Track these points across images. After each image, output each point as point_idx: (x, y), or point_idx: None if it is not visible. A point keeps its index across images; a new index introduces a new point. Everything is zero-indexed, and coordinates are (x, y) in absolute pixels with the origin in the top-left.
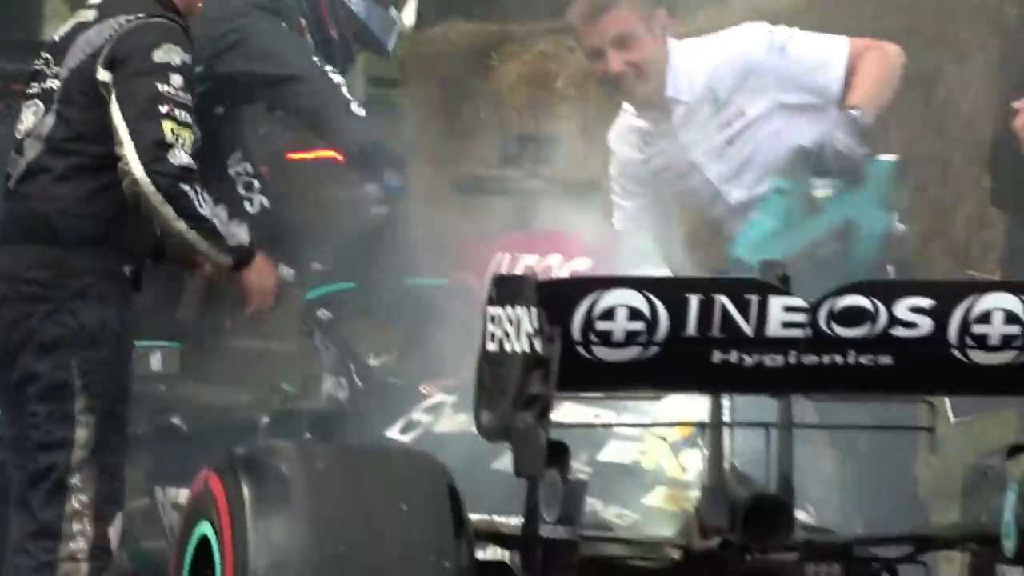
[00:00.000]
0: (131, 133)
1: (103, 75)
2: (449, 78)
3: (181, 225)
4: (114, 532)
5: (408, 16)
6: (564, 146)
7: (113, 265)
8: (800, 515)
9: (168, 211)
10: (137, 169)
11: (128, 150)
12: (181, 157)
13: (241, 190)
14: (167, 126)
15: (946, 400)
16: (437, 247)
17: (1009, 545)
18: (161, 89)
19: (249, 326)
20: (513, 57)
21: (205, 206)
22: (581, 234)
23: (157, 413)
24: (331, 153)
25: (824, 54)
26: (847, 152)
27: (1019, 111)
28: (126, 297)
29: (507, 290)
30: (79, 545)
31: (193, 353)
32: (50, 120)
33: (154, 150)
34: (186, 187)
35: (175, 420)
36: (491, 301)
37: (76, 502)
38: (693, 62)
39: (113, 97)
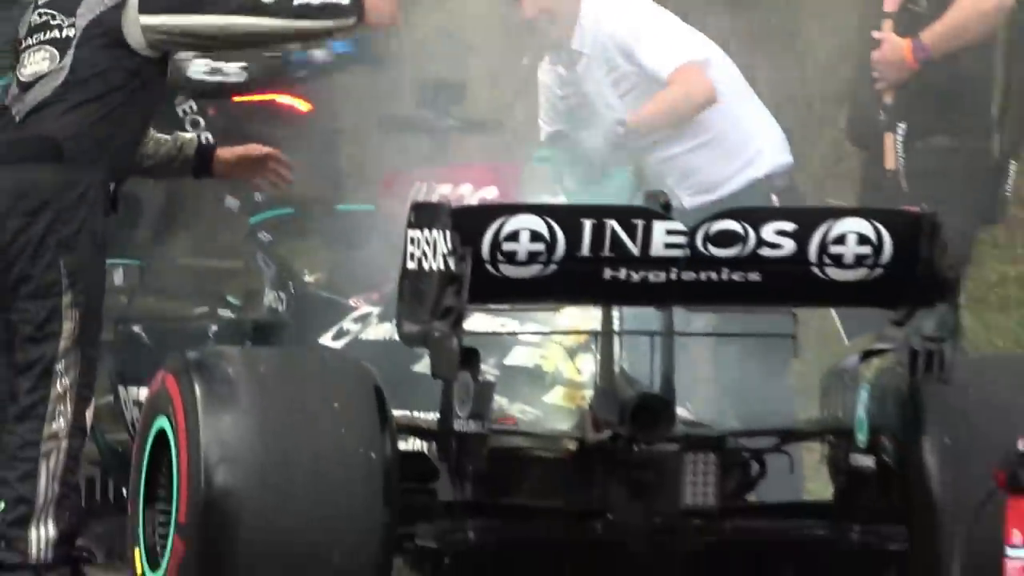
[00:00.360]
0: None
1: (147, 19)
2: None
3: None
4: (89, 415)
5: None
6: (472, 90)
7: (104, 183)
8: (680, 412)
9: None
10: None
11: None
12: None
13: (188, 127)
14: None
15: (838, 322)
16: (364, 177)
17: (861, 437)
18: None
19: (198, 247)
20: (429, 10)
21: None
22: (489, 166)
23: (120, 322)
24: (271, 97)
25: (658, 62)
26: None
27: (880, 40)
28: (108, 212)
29: (425, 215)
30: (60, 425)
31: (151, 270)
32: (67, 61)
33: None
34: None
35: (135, 328)
36: (411, 225)
37: (60, 387)
38: (598, 22)
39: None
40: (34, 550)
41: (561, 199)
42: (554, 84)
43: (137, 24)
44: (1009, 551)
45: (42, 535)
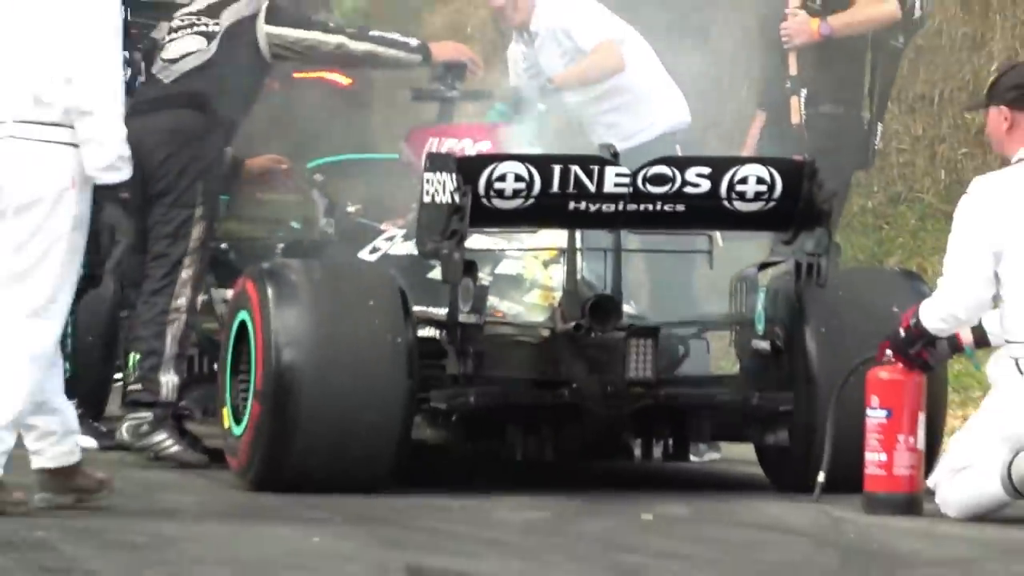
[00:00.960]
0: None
1: (270, 29)
2: (403, 21)
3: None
4: (199, 300)
5: None
6: (470, 71)
7: (229, 132)
8: (626, 308)
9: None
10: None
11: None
12: None
13: None
14: None
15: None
16: (391, 134)
17: (760, 327)
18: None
19: (271, 185)
20: (437, 11)
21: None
22: (484, 126)
23: (212, 241)
24: (321, 74)
25: (586, 35)
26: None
27: (793, 14)
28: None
29: (437, 162)
30: (182, 302)
31: (234, 201)
32: (214, 47)
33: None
34: None
35: (223, 245)
36: (427, 169)
37: (185, 275)
38: (549, 8)
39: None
40: (164, 391)
41: (537, 151)
42: (519, 59)
43: (264, 32)
44: (869, 412)
45: (169, 380)
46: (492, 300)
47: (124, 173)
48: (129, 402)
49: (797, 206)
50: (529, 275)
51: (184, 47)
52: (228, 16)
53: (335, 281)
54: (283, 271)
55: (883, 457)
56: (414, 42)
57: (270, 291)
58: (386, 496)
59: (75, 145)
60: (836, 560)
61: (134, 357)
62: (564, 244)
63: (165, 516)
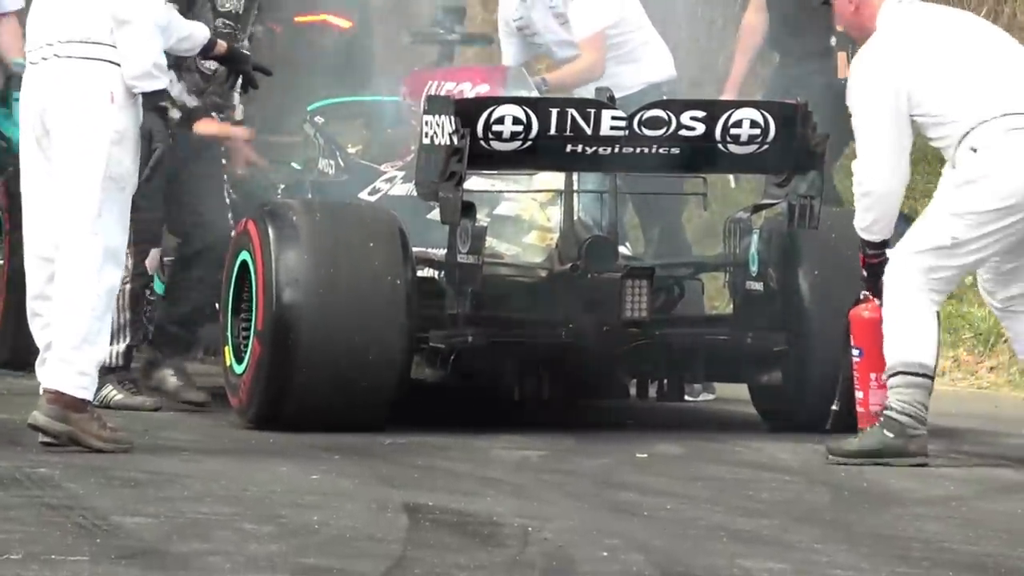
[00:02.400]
0: None
1: None
2: None
3: None
4: (147, 264)
5: None
6: (470, 13)
7: None
8: (622, 249)
9: None
10: None
11: None
12: None
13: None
14: None
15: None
16: (391, 77)
17: (753, 268)
18: None
19: (272, 126)
20: None
21: None
22: (482, 69)
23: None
24: (323, 16)
25: (579, 25)
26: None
27: None
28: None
29: (436, 105)
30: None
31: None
32: None
33: None
34: None
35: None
36: (426, 111)
37: None
38: None
39: None
40: (110, 360)
41: (535, 94)
42: (509, 11)
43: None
44: (854, 351)
45: (115, 350)
46: (490, 241)
47: (160, 81)
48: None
49: (790, 148)
50: (527, 216)
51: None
52: None
53: (335, 222)
54: (284, 211)
55: (860, 395)
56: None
57: (271, 231)
58: (385, 435)
59: (116, 63)
60: (827, 498)
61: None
62: (561, 186)
63: (166, 453)
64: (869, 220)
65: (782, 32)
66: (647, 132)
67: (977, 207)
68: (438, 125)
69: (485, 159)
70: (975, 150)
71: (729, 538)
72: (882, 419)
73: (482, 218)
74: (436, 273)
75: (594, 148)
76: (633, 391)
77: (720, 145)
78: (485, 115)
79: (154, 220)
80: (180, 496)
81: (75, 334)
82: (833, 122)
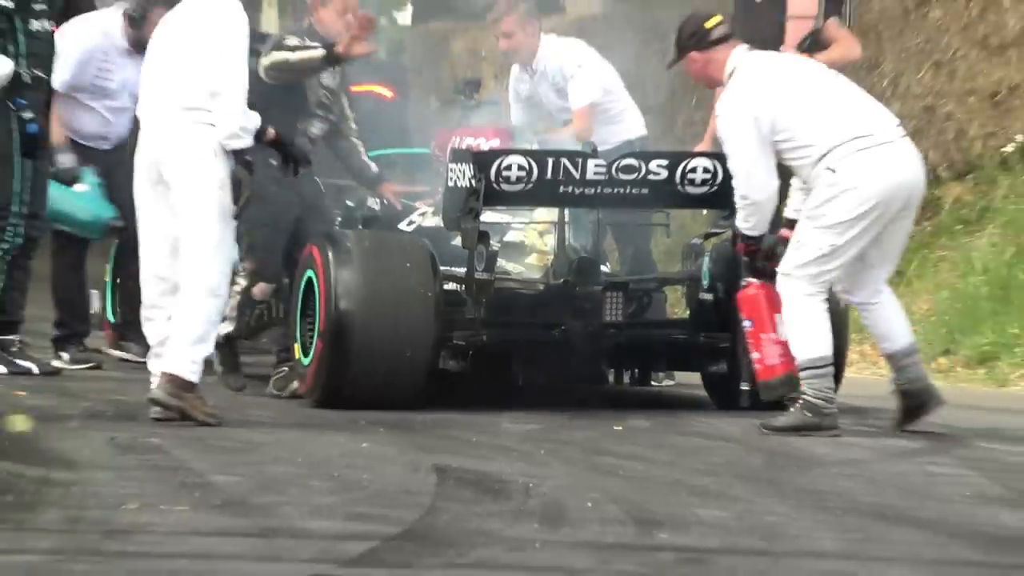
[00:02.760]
0: None
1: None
2: (429, 45)
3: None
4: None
5: (406, 17)
6: (485, 85)
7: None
8: (603, 268)
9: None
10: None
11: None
12: None
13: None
14: None
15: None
16: (424, 133)
17: (705, 283)
18: None
19: (331, 173)
20: (463, 38)
21: None
22: (494, 128)
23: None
24: (371, 87)
25: (575, 96)
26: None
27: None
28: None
29: (458, 156)
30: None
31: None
32: None
33: None
34: None
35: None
36: (451, 160)
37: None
38: (548, 52)
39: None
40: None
41: (535, 146)
42: (519, 82)
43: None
44: (745, 323)
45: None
46: (500, 262)
47: (246, 140)
48: (279, 363)
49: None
50: (528, 242)
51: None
52: None
53: (380, 247)
54: (341, 239)
55: (757, 355)
56: (319, 46)
57: (330, 254)
58: (418, 412)
59: (213, 124)
60: (762, 461)
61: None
62: (555, 218)
63: (250, 426)
64: (753, 221)
65: None
66: (623, 177)
67: (842, 217)
68: (460, 171)
69: (496, 198)
70: (833, 170)
71: (686, 492)
72: (801, 402)
73: (494, 244)
74: (458, 286)
75: (581, 189)
76: (611, 378)
77: (679, 187)
78: (496, 163)
79: (276, 263)
80: (260, 459)
81: (193, 334)
82: None
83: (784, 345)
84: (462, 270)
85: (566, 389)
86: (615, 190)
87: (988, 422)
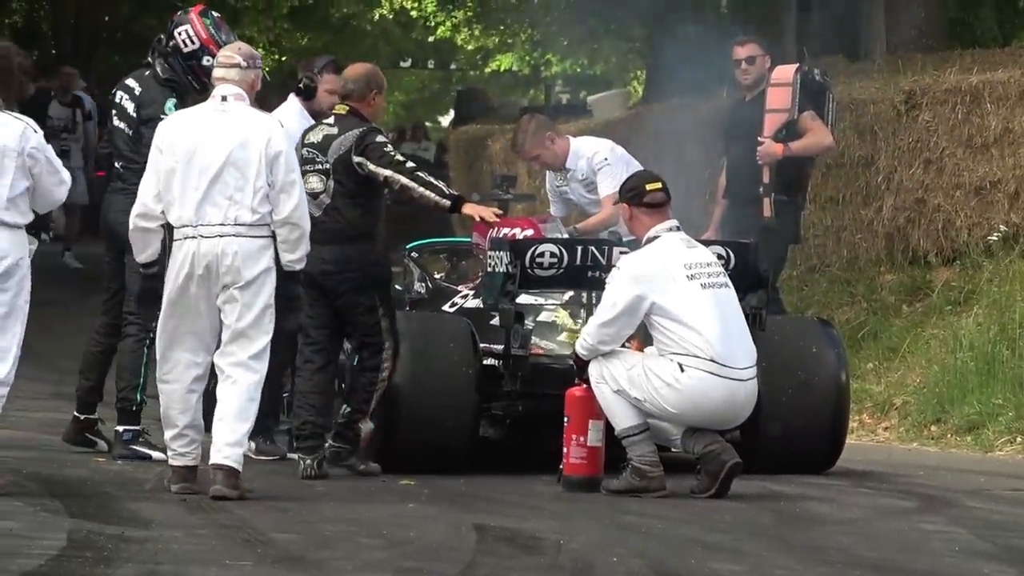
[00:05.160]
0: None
1: (357, 158)
2: (470, 145)
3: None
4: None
5: (448, 120)
6: (520, 180)
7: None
8: (627, 345)
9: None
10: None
11: (389, 174)
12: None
13: None
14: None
15: None
16: (465, 224)
17: None
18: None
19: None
20: (499, 139)
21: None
22: (529, 219)
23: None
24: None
25: (603, 186)
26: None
27: (764, 141)
28: None
29: (497, 244)
30: (385, 374)
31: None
32: (331, 184)
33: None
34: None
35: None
36: (490, 248)
37: (386, 354)
38: (577, 152)
39: (370, 164)
40: (361, 435)
41: (565, 235)
42: (553, 180)
43: (355, 161)
44: (566, 419)
45: (366, 427)
46: (534, 339)
47: (304, 263)
48: (337, 433)
49: (745, 273)
50: (560, 322)
51: (313, 185)
52: (332, 153)
53: (426, 327)
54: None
55: (565, 450)
56: (449, 192)
57: None
58: (460, 476)
59: (272, 239)
60: (770, 519)
61: (344, 408)
62: (584, 300)
63: (306, 488)
64: (587, 354)
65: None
66: None
67: (662, 403)
68: (498, 258)
69: (531, 282)
70: (682, 368)
71: (702, 548)
72: (629, 467)
73: (529, 323)
74: (497, 362)
75: (607, 274)
76: None
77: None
78: (531, 251)
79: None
80: (315, 519)
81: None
82: (765, 251)
83: (591, 451)
84: (500, 347)
85: None
86: None
87: (976, 484)
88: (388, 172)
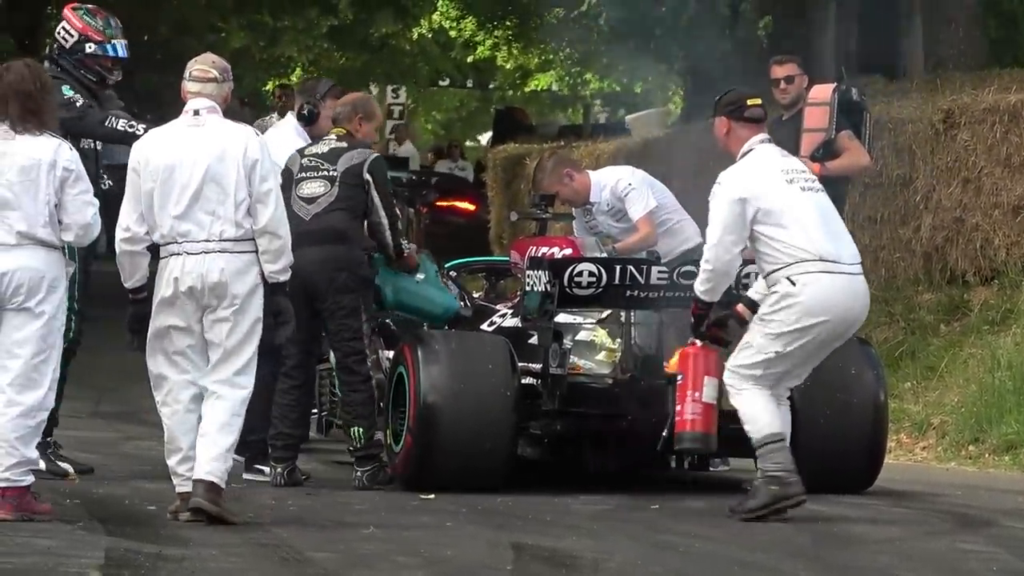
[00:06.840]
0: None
1: (367, 176)
2: (508, 164)
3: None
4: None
5: (486, 138)
6: (558, 199)
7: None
8: (665, 364)
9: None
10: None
11: (379, 208)
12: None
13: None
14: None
15: None
16: (503, 243)
17: None
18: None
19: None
20: (537, 158)
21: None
22: (567, 238)
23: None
24: (455, 202)
25: (634, 210)
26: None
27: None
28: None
29: (535, 263)
30: (375, 380)
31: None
32: (335, 191)
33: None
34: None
35: (387, 320)
36: (529, 267)
37: (370, 361)
38: (599, 184)
39: (374, 189)
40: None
41: (604, 254)
42: (581, 219)
43: (366, 178)
44: (679, 376)
45: (382, 436)
46: (572, 358)
47: (288, 274)
48: (361, 457)
49: None
50: (598, 341)
51: (314, 189)
52: (342, 163)
53: (464, 347)
54: (429, 339)
55: (679, 407)
56: (399, 247)
57: (420, 353)
58: (498, 495)
59: (257, 253)
60: (809, 538)
61: (358, 431)
62: (623, 319)
63: (342, 508)
64: (707, 287)
65: None
66: (683, 282)
67: (788, 327)
68: (537, 277)
69: (569, 301)
70: (793, 282)
71: (740, 567)
72: (764, 478)
73: (567, 342)
74: (535, 381)
75: (646, 293)
76: (673, 464)
77: (735, 289)
78: (569, 270)
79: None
80: (352, 538)
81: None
82: None
83: (706, 407)
84: (538, 366)
85: (632, 474)
86: (676, 294)
87: (1014, 504)
88: (381, 210)
